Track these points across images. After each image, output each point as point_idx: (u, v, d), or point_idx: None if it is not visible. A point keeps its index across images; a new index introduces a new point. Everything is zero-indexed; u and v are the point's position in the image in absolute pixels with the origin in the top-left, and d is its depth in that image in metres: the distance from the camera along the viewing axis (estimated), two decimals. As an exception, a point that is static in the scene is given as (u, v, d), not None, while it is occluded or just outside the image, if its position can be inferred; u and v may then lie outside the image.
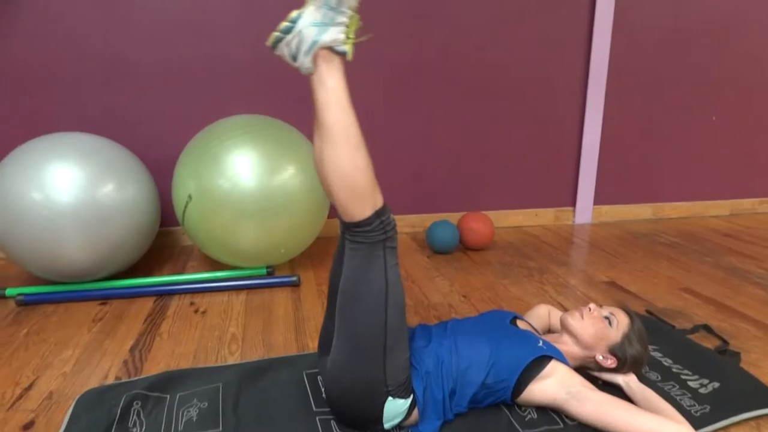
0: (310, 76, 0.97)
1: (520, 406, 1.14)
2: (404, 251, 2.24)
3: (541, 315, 1.44)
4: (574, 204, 2.73)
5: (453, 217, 2.55)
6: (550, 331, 1.43)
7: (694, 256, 2.24)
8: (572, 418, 1.10)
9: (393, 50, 2.30)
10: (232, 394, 1.17)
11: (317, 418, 1.10)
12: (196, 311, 1.64)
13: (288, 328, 1.53)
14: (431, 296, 1.76)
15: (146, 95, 2.13)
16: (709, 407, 1.14)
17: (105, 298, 1.71)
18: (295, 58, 0.96)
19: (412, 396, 1.04)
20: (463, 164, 2.52)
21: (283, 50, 0.96)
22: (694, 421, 1.09)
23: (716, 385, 1.22)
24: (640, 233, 2.58)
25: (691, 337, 1.49)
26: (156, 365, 1.32)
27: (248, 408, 1.13)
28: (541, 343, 1.13)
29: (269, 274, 1.92)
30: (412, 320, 1.56)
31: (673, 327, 1.54)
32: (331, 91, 0.95)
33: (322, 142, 0.96)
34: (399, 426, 1.07)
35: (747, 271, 2.06)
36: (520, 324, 1.25)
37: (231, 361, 1.34)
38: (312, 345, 1.44)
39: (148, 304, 1.69)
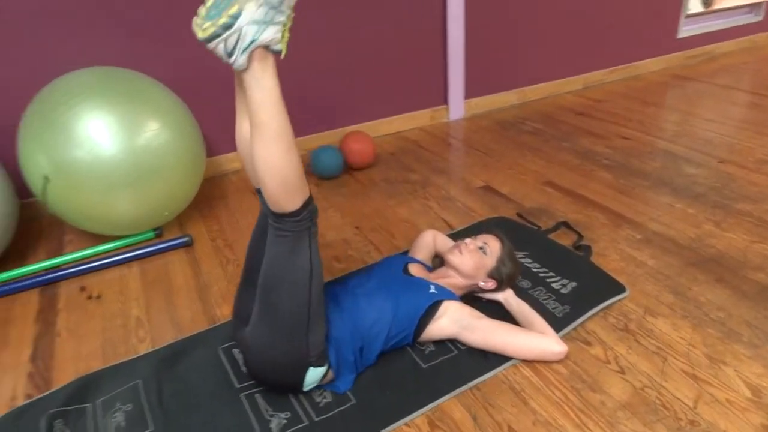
0: (241, 72, 0.97)
1: (420, 343, 1.30)
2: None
3: (427, 243, 1.58)
4: (446, 101, 2.82)
5: (333, 135, 2.55)
6: (437, 255, 1.58)
7: (554, 143, 2.48)
8: (464, 345, 1.29)
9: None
10: (154, 388, 1.21)
11: (241, 395, 1.19)
12: (89, 297, 1.58)
13: (192, 298, 1.55)
14: (326, 234, 1.84)
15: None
16: (569, 307, 1.38)
17: (-20, 301, 1.59)
18: (231, 54, 0.94)
19: (327, 363, 1.15)
20: (334, 79, 2.47)
21: (219, 47, 0.93)
22: (559, 322, 1.33)
23: (574, 284, 1.46)
24: (507, 122, 2.77)
25: (552, 236, 1.73)
26: (64, 372, 1.30)
27: (172, 400, 1.19)
28: (432, 289, 1.27)
29: (158, 237, 1.86)
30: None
31: (539, 228, 1.77)
32: (267, 90, 0.95)
33: (254, 139, 0.97)
34: (317, 387, 1.19)
35: (597, 153, 2.34)
36: (413, 269, 1.38)
37: (142, 350, 1.35)
38: (220, 313, 1.48)
39: (32, 298, 1.60)
